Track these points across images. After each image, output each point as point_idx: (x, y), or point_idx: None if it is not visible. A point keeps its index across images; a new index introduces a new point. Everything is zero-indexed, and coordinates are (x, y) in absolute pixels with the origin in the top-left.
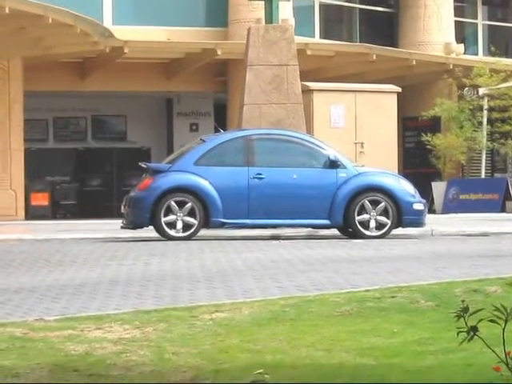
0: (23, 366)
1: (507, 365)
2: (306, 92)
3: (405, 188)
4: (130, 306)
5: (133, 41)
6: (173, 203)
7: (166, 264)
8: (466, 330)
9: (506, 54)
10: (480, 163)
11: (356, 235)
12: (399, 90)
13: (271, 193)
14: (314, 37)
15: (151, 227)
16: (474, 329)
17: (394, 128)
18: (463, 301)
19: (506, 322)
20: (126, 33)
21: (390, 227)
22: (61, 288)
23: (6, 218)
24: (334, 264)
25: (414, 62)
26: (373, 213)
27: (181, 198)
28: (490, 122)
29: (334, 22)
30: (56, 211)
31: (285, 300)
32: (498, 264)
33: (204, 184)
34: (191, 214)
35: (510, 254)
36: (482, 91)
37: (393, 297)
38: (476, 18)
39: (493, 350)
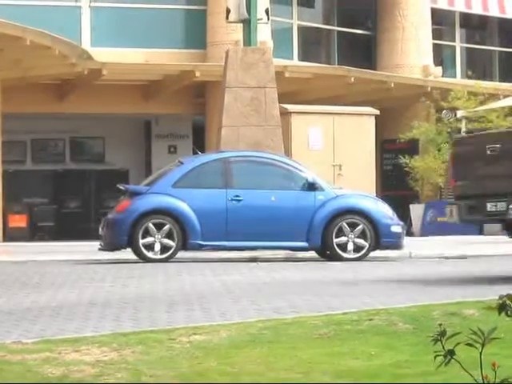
0: None
1: None
2: (285, 114)
3: (383, 210)
4: (108, 329)
5: (111, 63)
6: (151, 225)
7: (143, 286)
8: (443, 353)
9: (484, 77)
10: None
11: (334, 258)
12: (377, 112)
13: (249, 215)
14: (292, 59)
15: (129, 249)
16: (451, 352)
17: (372, 150)
18: (440, 324)
19: (483, 345)
20: (104, 55)
21: (367, 250)
22: (39, 310)
23: None
24: (311, 286)
25: (393, 85)
26: (351, 235)
27: (159, 220)
28: None
29: (312, 45)
30: (34, 233)
31: (262, 322)
32: (476, 287)
33: (182, 206)
34: (169, 236)
35: (487, 277)
36: (459, 114)
37: (370, 319)
38: (454, 41)
39: (470, 374)
